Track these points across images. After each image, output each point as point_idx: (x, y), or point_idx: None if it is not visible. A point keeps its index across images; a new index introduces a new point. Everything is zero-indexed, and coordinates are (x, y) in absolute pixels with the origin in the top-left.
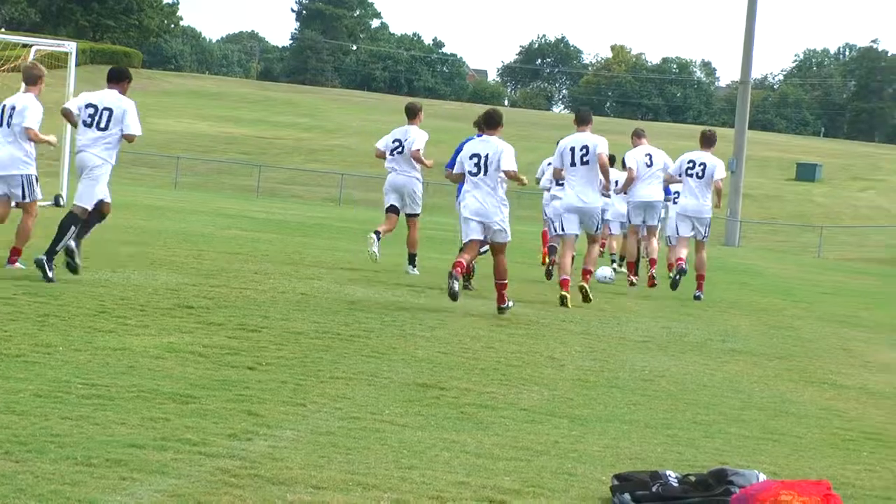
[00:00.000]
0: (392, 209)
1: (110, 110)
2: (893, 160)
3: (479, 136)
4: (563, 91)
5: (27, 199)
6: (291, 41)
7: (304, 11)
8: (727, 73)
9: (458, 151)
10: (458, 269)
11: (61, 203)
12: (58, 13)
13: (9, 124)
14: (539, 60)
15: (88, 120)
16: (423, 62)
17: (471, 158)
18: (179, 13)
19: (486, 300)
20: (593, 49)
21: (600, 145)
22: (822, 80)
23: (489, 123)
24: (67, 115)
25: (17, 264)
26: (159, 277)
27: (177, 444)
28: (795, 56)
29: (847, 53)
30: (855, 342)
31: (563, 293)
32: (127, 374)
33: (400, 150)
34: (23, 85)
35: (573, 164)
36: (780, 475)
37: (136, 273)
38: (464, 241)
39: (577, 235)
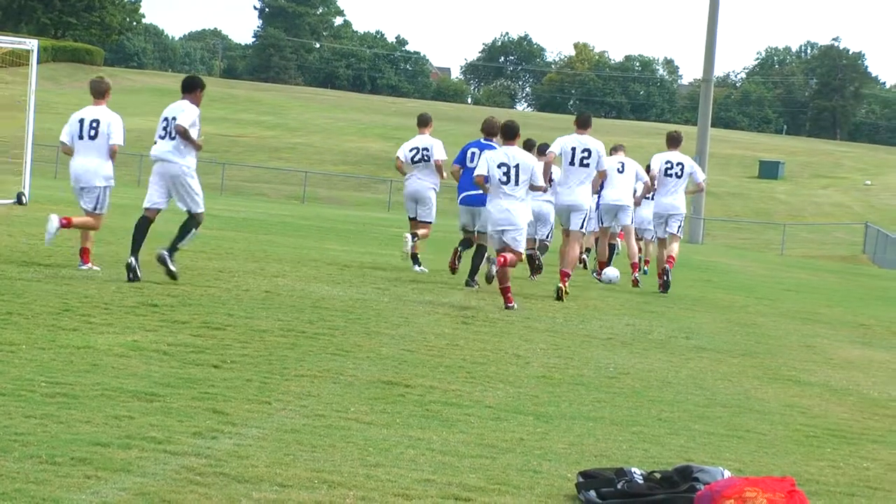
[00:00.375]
0: (414, 219)
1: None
2: (855, 158)
3: (485, 140)
4: (527, 89)
5: (97, 211)
6: (254, 39)
7: (267, 9)
8: (690, 71)
9: (463, 151)
10: (501, 261)
11: (24, 201)
12: (19, 10)
13: (91, 137)
14: (502, 58)
15: (163, 132)
16: (386, 60)
17: (499, 167)
18: (141, 11)
19: (450, 298)
20: (556, 47)
21: (602, 151)
22: (783, 78)
23: (508, 135)
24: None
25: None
26: (123, 275)
27: (141, 443)
28: (757, 54)
29: (808, 51)
30: (817, 339)
31: (560, 285)
32: (91, 373)
33: (424, 159)
34: (92, 98)
35: (572, 163)
36: (744, 472)
37: (100, 271)
38: (495, 248)
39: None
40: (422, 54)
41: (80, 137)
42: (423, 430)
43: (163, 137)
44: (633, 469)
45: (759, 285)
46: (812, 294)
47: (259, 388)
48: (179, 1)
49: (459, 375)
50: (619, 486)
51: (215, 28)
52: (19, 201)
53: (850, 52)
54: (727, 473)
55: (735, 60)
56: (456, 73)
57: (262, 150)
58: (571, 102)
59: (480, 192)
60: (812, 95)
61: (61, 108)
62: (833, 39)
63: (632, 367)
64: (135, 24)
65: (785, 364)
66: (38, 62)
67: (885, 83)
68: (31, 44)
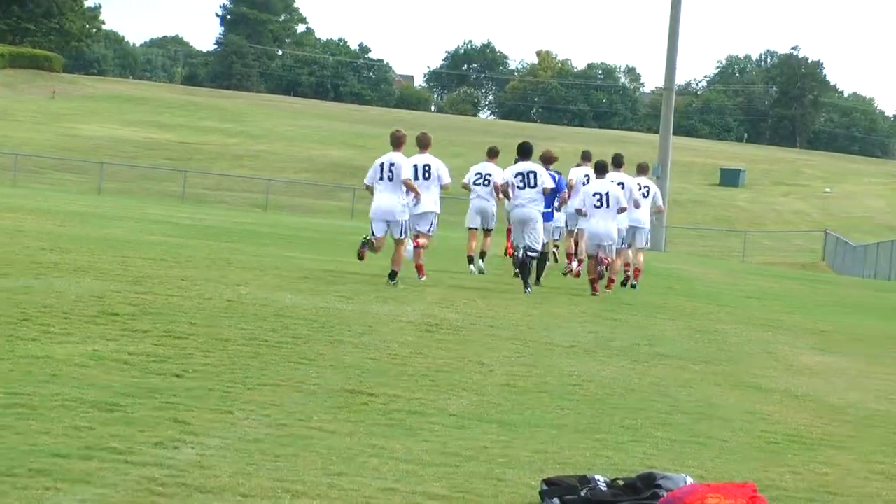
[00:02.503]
0: (474, 228)
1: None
2: (815, 165)
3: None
4: (490, 97)
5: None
6: (216, 46)
7: (229, 16)
8: (652, 79)
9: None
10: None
11: None
12: None
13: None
14: (465, 66)
15: (521, 184)
16: (349, 67)
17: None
18: (102, 17)
19: (414, 307)
20: (519, 55)
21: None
22: (744, 86)
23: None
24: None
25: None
26: (83, 284)
27: (102, 454)
28: (718, 62)
29: (768, 60)
30: (778, 346)
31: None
32: (50, 383)
33: (486, 182)
34: (417, 149)
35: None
36: (706, 478)
37: (60, 280)
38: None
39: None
40: (385, 62)
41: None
42: (386, 439)
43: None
44: (597, 476)
45: (721, 293)
46: (773, 301)
47: (221, 397)
48: (140, 7)
49: (423, 384)
50: (582, 494)
51: (177, 35)
52: None
53: (810, 61)
54: (690, 480)
55: (696, 69)
56: (419, 81)
57: (225, 157)
58: (534, 110)
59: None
60: (772, 104)
61: (20, 116)
62: (792, 48)
63: (595, 374)
64: (95, 30)
65: (746, 371)
66: None
67: (843, 92)
68: None
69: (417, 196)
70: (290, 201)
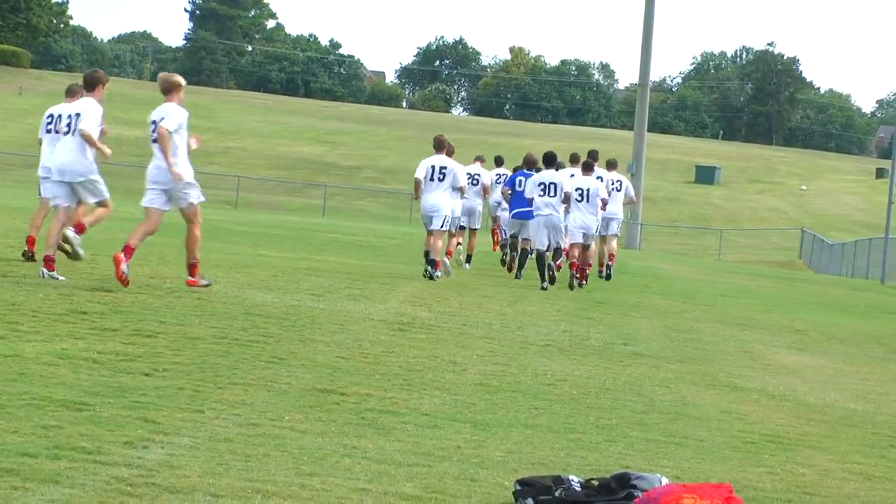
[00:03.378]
0: (461, 228)
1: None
2: (790, 163)
3: (527, 171)
4: (462, 93)
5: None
6: (185, 41)
7: (198, 11)
8: (626, 76)
9: (512, 179)
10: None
11: None
12: None
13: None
14: (437, 62)
15: (542, 192)
16: (319, 63)
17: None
18: (69, 12)
19: (386, 305)
20: (492, 51)
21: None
22: (719, 82)
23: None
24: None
25: None
26: (51, 282)
27: (71, 453)
28: (693, 59)
29: (744, 56)
30: (754, 344)
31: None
32: (18, 381)
33: (474, 182)
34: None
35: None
36: (682, 478)
37: (28, 277)
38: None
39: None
40: (356, 58)
41: None
42: (358, 439)
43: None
44: (571, 477)
45: (697, 291)
46: (749, 299)
47: (191, 396)
48: (108, 3)
49: (395, 383)
50: (556, 494)
51: (145, 30)
52: None
53: (785, 57)
54: (665, 480)
55: (671, 65)
56: (391, 77)
57: (194, 154)
58: (507, 106)
59: (529, 208)
60: (747, 100)
61: None
62: (768, 44)
63: (569, 373)
64: (62, 25)
65: (722, 370)
66: None
67: (819, 88)
68: None
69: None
70: (261, 198)
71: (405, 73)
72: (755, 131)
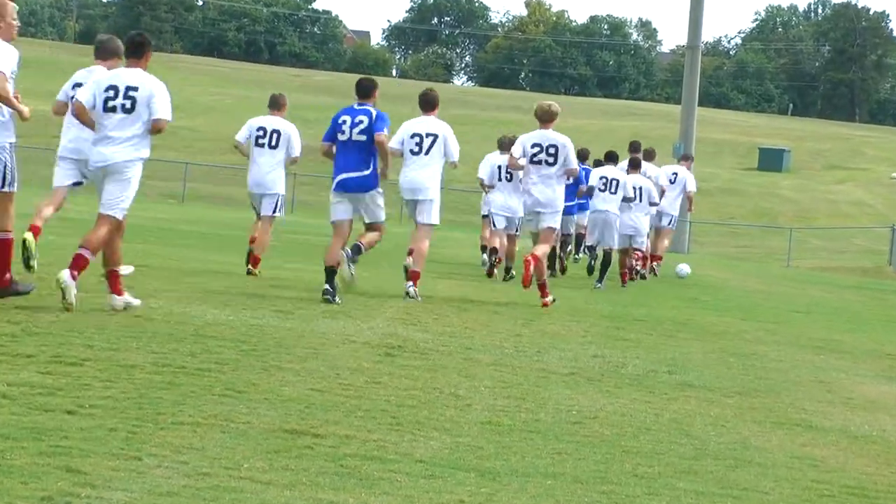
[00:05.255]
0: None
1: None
2: (878, 144)
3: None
4: (467, 58)
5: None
6: None
7: None
8: (671, 36)
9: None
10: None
11: None
12: None
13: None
14: (435, 20)
15: (603, 187)
16: (287, 21)
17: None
18: None
19: (371, 324)
20: (503, 5)
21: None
22: (788, 44)
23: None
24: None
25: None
26: None
27: None
28: (756, 15)
29: (819, 11)
30: (834, 373)
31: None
32: None
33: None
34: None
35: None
36: None
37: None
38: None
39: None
40: (333, 15)
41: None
42: (336, 492)
43: None
44: None
45: (760, 305)
46: (826, 316)
47: (126, 439)
48: None
49: (382, 422)
50: None
51: None
52: None
53: (871, 12)
54: None
55: (728, 23)
56: (377, 39)
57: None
58: (523, 75)
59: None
60: (824, 66)
61: None
62: None
63: (600, 409)
64: None
65: (792, 405)
66: None
67: None
68: None
69: None
70: (215, 190)
71: (395, 33)
72: (833, 105)
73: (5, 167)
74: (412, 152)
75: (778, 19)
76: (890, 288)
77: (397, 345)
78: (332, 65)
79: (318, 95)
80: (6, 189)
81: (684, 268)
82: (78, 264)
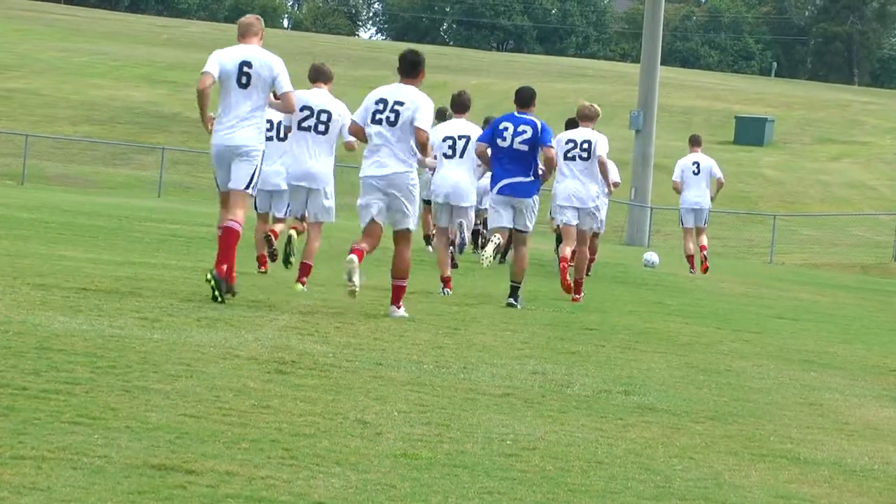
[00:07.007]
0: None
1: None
2: (879, 112)
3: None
4: (376, 5)
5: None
6: None
7: None
8: None
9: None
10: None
11: None
12: None
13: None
14: None
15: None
16: None
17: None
18: None
19: (258, 334)
20: None
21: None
22: None
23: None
24: None
25: None
26: None
27: None
28: None
29: None
30: (825, 392)
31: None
32: None
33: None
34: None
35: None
36: None
37: None
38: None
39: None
40: None
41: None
42: None
43: None
44: None
45: (737, 311)
46: (817, 324)
47: None
48: None
49: (273, 455)
50: None
51: None
52: None
53: None
54: None
55: None
56: None
57: None
58: (444, 26)
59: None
60: (814, 17)
61: None
62: None
63: (541, 438)
64: None
65: (776, 432)
66: None
67: None
68: None
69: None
70: (62, 169)
71: None
72: (826, 64)
73: (255, 170)
74: (446, 156)
75: None
76: (894, 288)
77: (291, 360)
78: (209, 14)
79: (191, 52)
80: (249, 191)
81: (651, 256)
82: None
